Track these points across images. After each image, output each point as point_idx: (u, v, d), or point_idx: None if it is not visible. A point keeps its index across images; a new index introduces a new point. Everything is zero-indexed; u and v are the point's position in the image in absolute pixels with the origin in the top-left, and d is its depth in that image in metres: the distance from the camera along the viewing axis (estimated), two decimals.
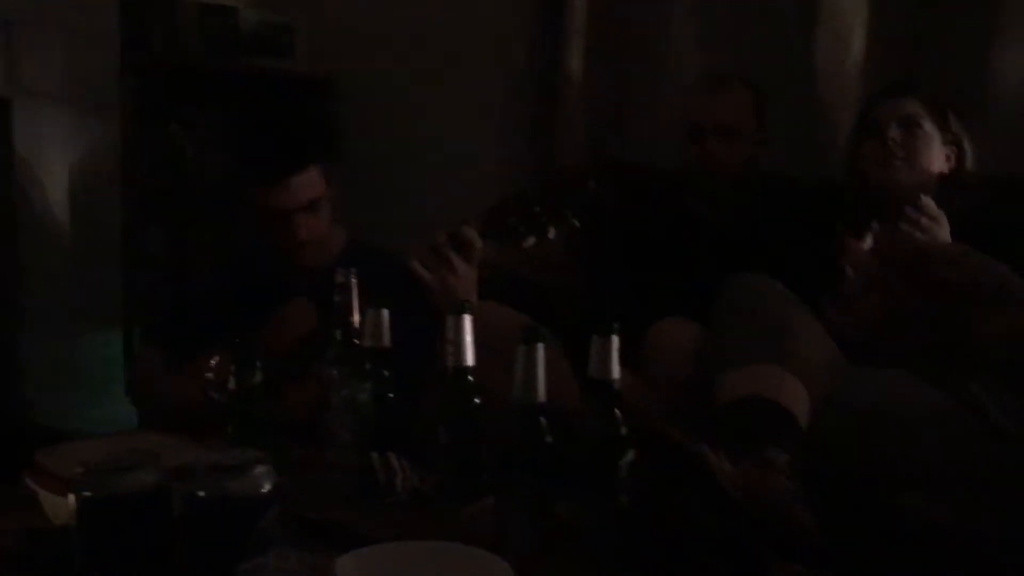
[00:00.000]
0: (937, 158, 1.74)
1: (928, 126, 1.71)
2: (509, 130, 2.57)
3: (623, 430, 1.02)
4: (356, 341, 1.24)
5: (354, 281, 1.28)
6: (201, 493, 0.75)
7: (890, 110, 1.72)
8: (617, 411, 1.03)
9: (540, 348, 0.99)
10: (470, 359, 1.15)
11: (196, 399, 1.48)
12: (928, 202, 1.51)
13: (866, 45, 2.20)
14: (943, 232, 1.51)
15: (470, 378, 1.14)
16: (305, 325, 1.60)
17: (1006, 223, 1.66)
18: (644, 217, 2.06)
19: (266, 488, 0.76)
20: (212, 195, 2.70)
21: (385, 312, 1.19)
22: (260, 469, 0.76)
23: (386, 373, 1.20)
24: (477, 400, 1.15)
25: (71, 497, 0.77)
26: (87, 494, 0.76)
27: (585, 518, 1.01)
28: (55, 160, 2.35)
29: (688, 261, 1.93)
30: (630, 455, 1.02)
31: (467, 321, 1.15)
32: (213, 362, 1.22)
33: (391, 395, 1.20)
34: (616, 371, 1.03)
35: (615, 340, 1.02)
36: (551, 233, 1.43)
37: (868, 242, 1.56)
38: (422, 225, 1.69)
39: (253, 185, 1.70)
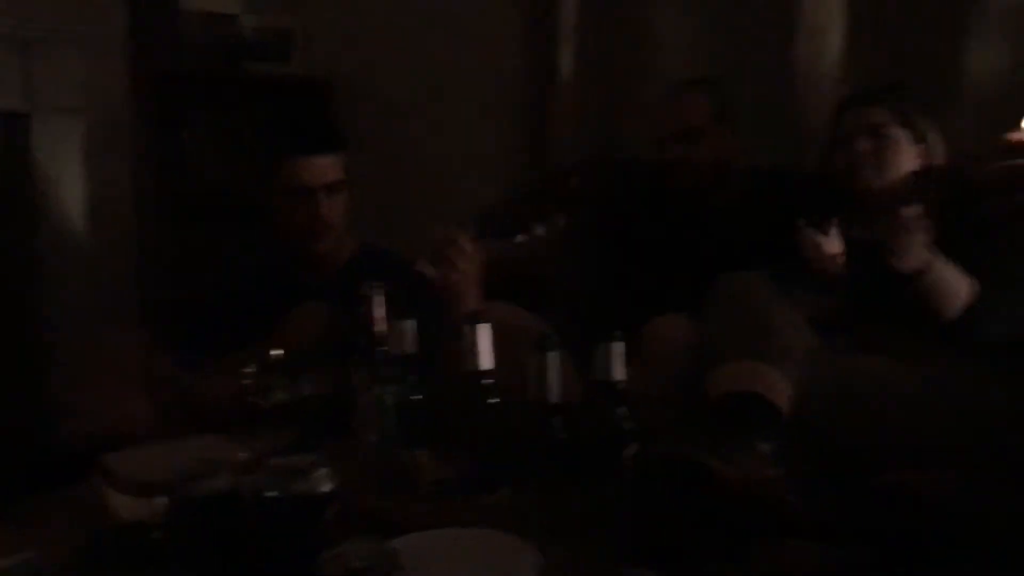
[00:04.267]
0: (907, 160, 1.84)
1: (895, 131, 1.80)
2: (505, 130, 2.69)
3: (626, 426, 1.15)
4: (382, 347, 1.36)
5: (379, 292, 1.40)
6: (272, 494, 0.87)
7: (857, 120, 1.82)
8: (620, 409, 1.15)
9: (553, 356, 1.12)
10: (487, 363, 1.27)
11: (228, 400, 1.59)
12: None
13: (844, 46, 2.32)
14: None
15: (487, 381, 1.27)
16: (316, 328, 1.67)
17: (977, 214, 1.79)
18: (633, 213, 2.19)
19: (327, 488, 0.89)
20: (220, 198, 2.81)
21: (410, 322, 1.31)
22: (321, 472, 0.89)
23: (410, 377, 1.32)
24: (494, 400, 1.27)
25: (160, 500, 0.89)
26: (174, 497, 0.89)
27: (592, 505, 1.14)
28: (72, 170, 2.45)
29: (676, 254, 2.04)
30: (633, 448, 1.15)
31: (483, 329, 1.27)
32: (250, 368, 1.33)
33: (415, 397, 1.32)
34: (619, 373, 1.15)
35: (617, 346, 1.15)
36: (539, 231, 1.55)
37: (831, 237, 1.67)
38: (420, 226, 1.78)
39: (282, 159, 1.75)
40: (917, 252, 1.59)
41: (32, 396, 2.36)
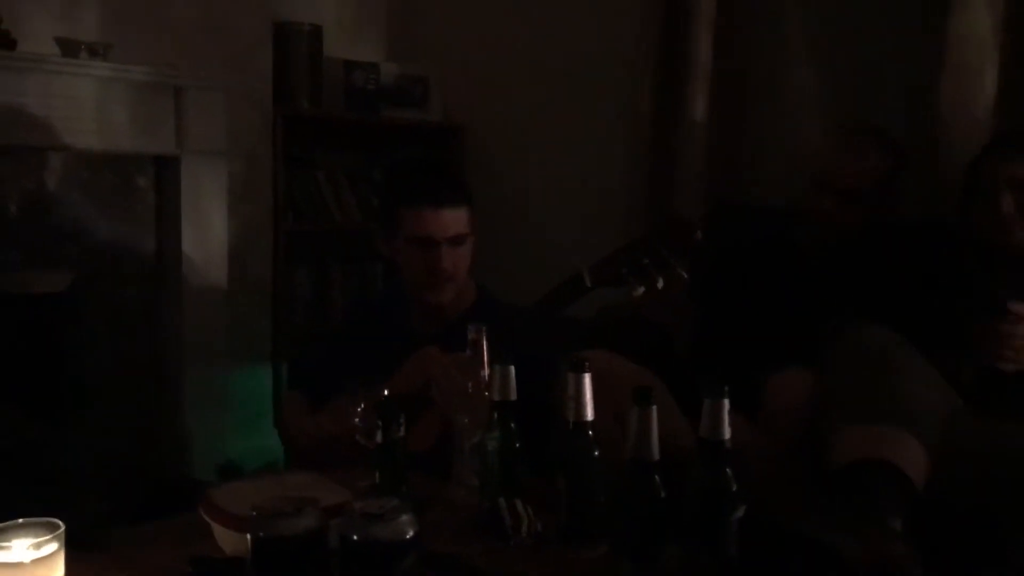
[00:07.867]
0: None
1: None
2: (632, 175, 2.66)
3: (733, 487, 1.09)
4: (486, 393, 1.35)
5: (485, 338, 1.40)
6: (355, 537, 0.87)
7: (1000, 173, 1.70)
8: (728, 470, 1.09)
9: (653, 411, 1.07)
10: (589, 414, 1.23)
11: (338, 440, 1.61)
12: None
13: (996, 88, 2.17)
14: None
15: (589, 432, 1.23)
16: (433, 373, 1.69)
17: None
18: (759, 261, 2.09)
19: (409, 534, 0.87)
20: (353, 240, 2.91)
21: (512, 368, 1.29)
22: (404, 518, 0.88)
23: (512, 424, 1.30)
24: (595, 453, 1.23)
25: (248, 536, 0.90)
26: (261, 534, 0.89)
27: (693, 568, 1.08)
28: (215, 209, 2.59)
29: (804, 304, 1.94)
30: (740, 511, 1.08)
31: (587, 379, 1.24)
32: (360, 408, 1.35)
33: (516, 444, 1.30)
34: (727, 432, 1.09)
35: (726, 403, 1.08)
36: (660, 284, 1.50)
37: None
38: (542, 271, 1.77)
39: (409, 208, 1.74)
40: None
41: (157, 426, 2.49)
